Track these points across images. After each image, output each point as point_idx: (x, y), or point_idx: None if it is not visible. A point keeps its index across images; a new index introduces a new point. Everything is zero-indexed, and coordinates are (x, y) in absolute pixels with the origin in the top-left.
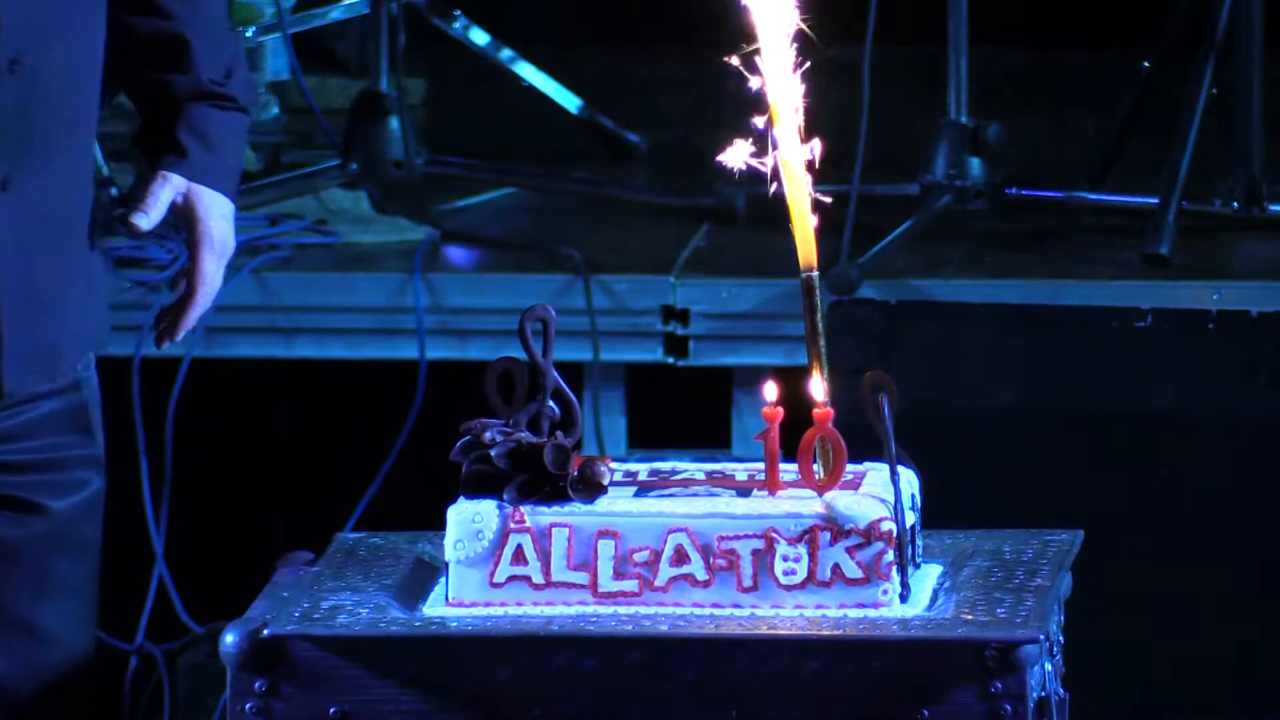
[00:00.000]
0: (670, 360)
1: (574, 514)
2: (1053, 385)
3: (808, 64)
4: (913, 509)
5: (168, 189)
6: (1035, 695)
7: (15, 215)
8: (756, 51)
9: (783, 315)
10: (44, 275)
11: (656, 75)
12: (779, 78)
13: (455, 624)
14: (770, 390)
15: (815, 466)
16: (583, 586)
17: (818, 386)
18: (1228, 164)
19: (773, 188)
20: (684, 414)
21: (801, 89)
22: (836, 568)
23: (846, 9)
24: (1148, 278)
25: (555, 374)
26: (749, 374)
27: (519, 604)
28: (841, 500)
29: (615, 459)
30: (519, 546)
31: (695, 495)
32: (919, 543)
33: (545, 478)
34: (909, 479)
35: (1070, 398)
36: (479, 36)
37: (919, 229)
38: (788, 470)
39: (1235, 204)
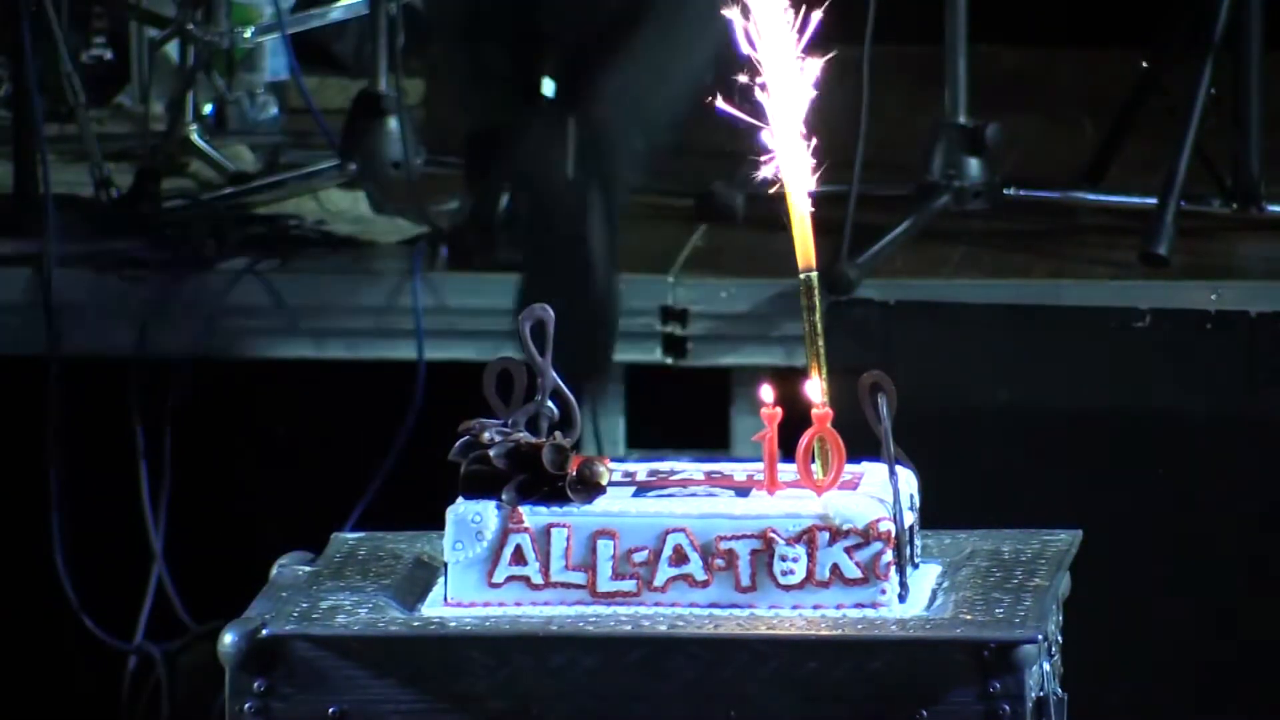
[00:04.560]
0: (669, 360)
1: (572, 514)
2: (1051, 385)
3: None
4: (911, 509)
5: None
6: (1033, 695)
7: None
8: (755, 51)
9: (781, 315)
10: None
11: None
12: (778, 77)
13: (454, 624)
14: (767, 393)
15: (814, 466)
16: (581, 586)
17: (816, 387)
18: (1227, 164)
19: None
20: (683, 414)
21: (800, 89)
22: (835, 568)
23: (846, 9)
24: (1146, 278)
25: (554, 374)
26: (748, 374)
27: (518, 604)
28: (840, 500)
29: (614, 459)
30: (518, 546)
31: (694, 495)
32: (917, 543)
33: (544, 478)
34: (907, 479)
35: (1069, 398)
36: None
37: (917, 229)
38: (786, 470)
39: (1234, 204)
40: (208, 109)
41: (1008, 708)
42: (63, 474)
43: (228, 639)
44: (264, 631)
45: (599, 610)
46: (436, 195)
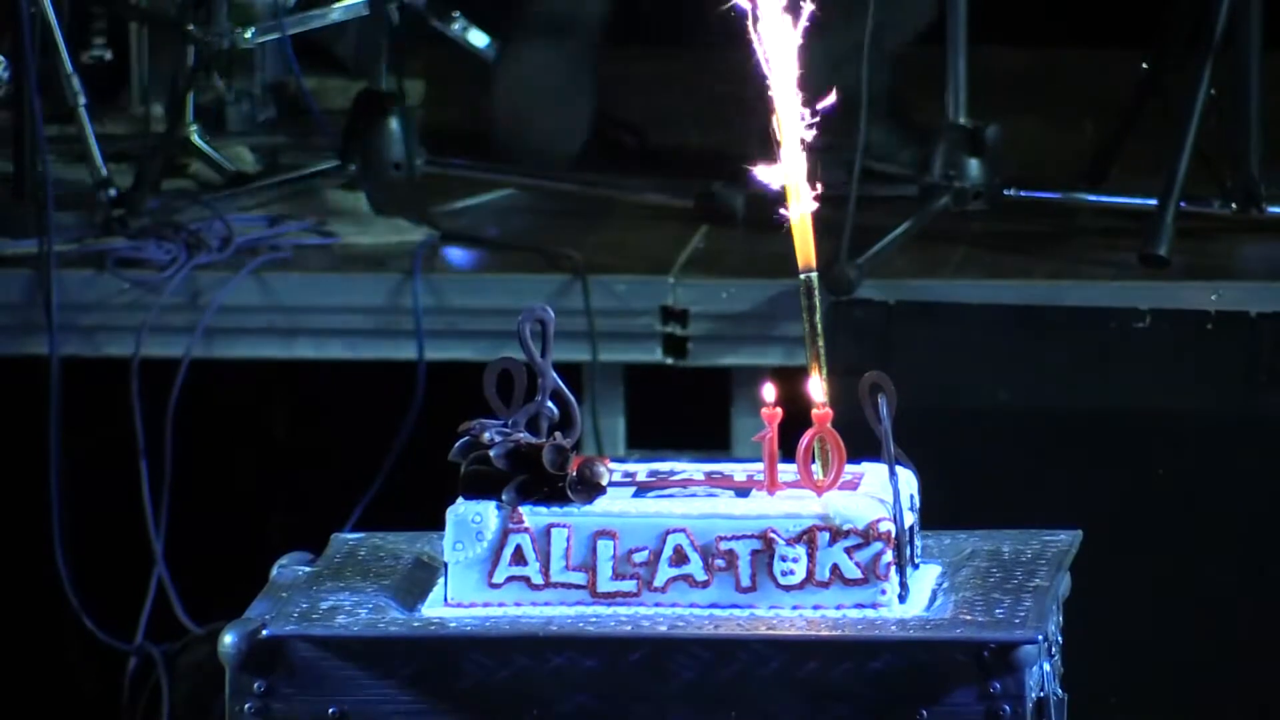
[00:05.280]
0: (669, 361)
1: (573, 514)
2: (1051, 386)
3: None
4: (911, 509)
5: None
6: (1033, 695)
7: None
8: (759, 53)
9: (782, 316)
10: None
11: (656, 75)
12: (780, 79)
13: (454, 624)
14: (769, 392)
15: (814, 467)
16: (581, 587)
17: (816, 387)
18: (1226, 165)
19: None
20: (683, 415)
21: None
22: (835, 568)
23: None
24: (1146, 278)
25: (554, 374)
26: (748, 374)
27: (518, 604)
28: (840, 501)
29: (614, 459)
30: (518, 547)
31: (694, 496)
32: (918, 543)
33: (544, 478)
34: (908, 479)
35: (1069, 398)
36: (477, 38)
37: (918, 230)
38: (786, 471)
39: (1233, 205)
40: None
41: (1008, 708)
42: (63, 474)
43: (228, 639)
44: (264, 632)
45: (599, 611)
46: (437, 195)
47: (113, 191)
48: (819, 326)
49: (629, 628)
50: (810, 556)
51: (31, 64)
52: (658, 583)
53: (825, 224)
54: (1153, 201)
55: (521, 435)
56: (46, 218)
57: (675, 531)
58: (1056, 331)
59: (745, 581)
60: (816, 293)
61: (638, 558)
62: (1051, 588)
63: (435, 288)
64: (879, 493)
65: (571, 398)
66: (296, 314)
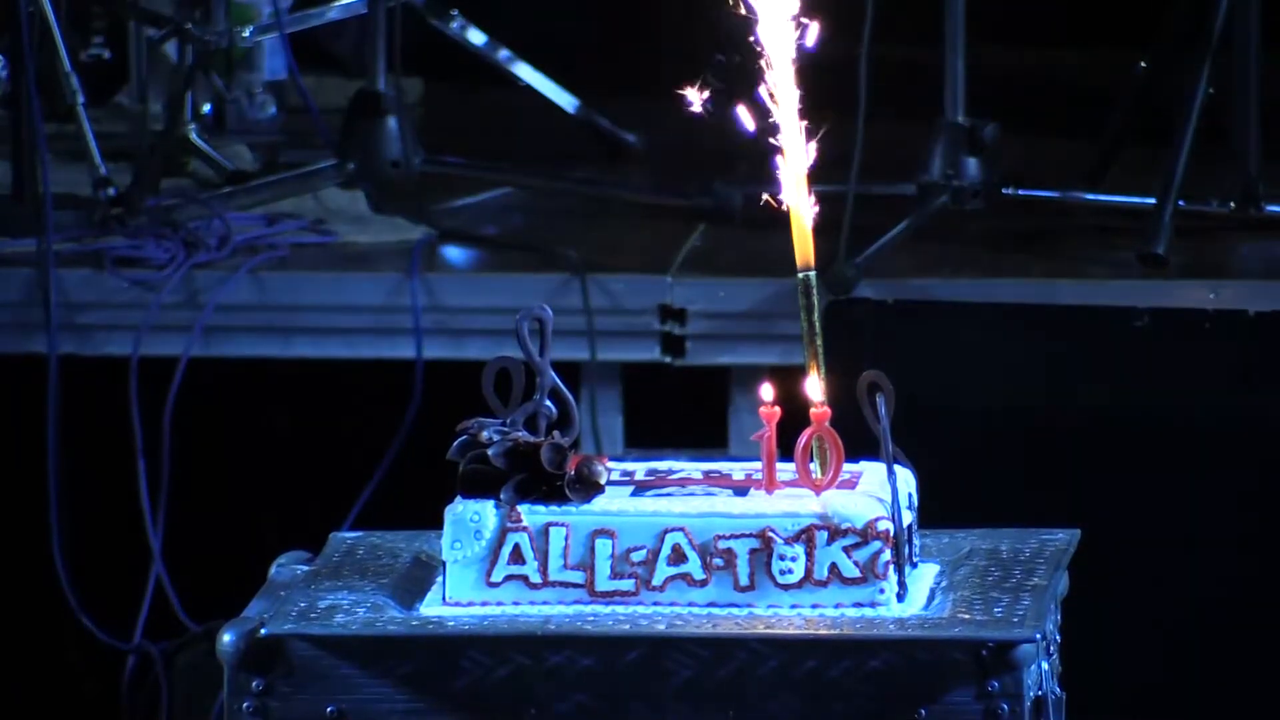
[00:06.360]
0: (667, 359)
1: (571, 513)
2: (1049, 385)
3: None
4: (910, 508)
5: None
6: (1032, 694)
7: None
8: (759, 53)
9: (780, 314)
10: None
11: (654, 75)
12: (779, 79)
13: (452, 623)
14: (767, 391)
15: (812, 466)
16: (580, 586)
17: (815, 386)
18: (1225, 164)
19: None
20: (681, 413)
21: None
22: (833, 567)
23: (845, 9)
24: (1144, 277)
25: (552, 373)
26: (746, 373)
27: (516, 603)
28: (838, 500)
29: (612, 458)
30: (516, 546)
31: (692, 495)
32: (916, 542)
33: (542, 477)
34: (906, 478)
35: (1067, 397)
36: (476, 36)
37: (916, 229)
38: (785, 469)
39: (1232, 204)
40: (206, 108)
41: (1006, 707)
42: (62, 474)
43: (226, 638)
44: (262, 631)
45: (597, 609)
46: (435, 194)
47: (111, 190)
48: (817, 325)
49: (627, 626)
50: (809, 555)
51: (30, 63)
52: (656, 582)
53: (824, 223)
54: (1151, 201)
55: (520, 434)
56: (45, 216)
57: (673, 530)
58: (1055, 330)
59: (743, 580)
60: (815, 291)
61: (636, 557)
62: (1050, 586)
63: (433, 287)
64: (877, 492)
65: (569, 396)
66: (295, 313)
